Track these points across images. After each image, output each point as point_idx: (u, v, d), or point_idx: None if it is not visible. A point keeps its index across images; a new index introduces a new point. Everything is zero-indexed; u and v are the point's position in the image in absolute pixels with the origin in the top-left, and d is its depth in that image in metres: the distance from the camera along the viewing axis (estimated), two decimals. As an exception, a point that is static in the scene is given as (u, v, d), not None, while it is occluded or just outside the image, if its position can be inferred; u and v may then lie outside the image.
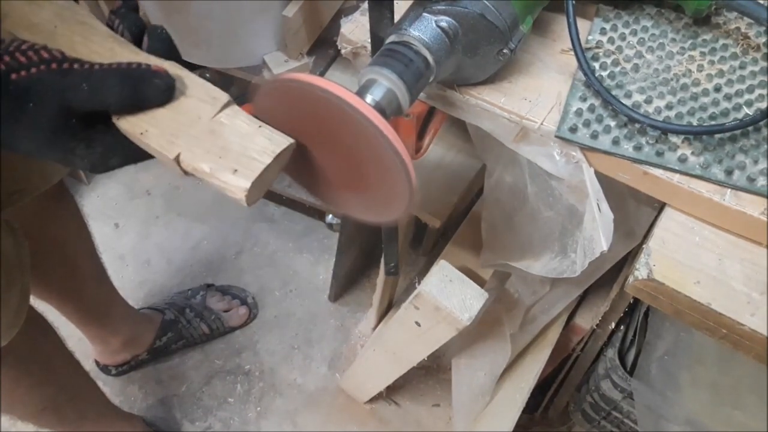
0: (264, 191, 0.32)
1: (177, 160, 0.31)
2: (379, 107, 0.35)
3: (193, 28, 0.61)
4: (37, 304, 0.64)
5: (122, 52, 0.34)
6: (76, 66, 0.30)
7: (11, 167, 0.51)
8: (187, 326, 1.01)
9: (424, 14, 0.38)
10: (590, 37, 0.45)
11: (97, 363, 1.01)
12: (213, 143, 0.31)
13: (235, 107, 0.33)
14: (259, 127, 0.32)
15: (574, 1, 0.40)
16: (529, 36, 0.44)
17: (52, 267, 0.76)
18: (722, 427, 0.62)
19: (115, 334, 0.95)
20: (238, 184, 0.30)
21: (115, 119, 0.32)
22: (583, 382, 0.85)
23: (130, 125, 0.32)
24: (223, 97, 0.32)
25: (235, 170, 0.30)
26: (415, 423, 0.97)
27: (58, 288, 0.80)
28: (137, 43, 0.36)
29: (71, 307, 0.85)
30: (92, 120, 0.31)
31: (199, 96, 0.32)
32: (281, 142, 0.31)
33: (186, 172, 0.32)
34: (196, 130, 0.31)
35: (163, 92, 0.32)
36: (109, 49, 0.34)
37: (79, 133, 0.31)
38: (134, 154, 0.32)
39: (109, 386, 1.00)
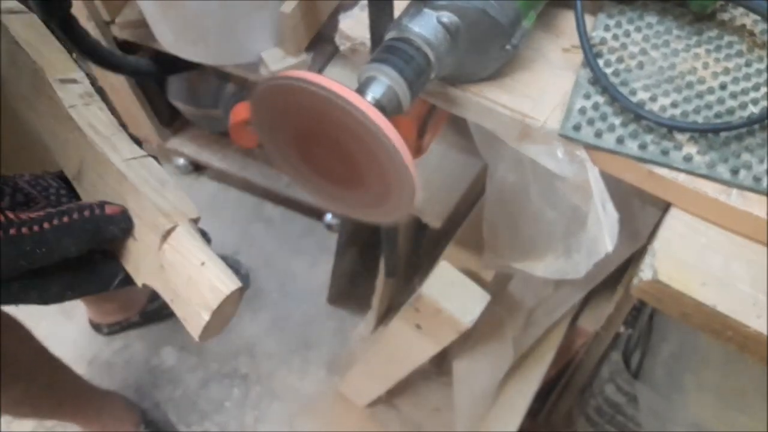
0: (226, 323, 0.29)
1: (144, 286, 0.29)
2: (379, 105, 0.35)
3: (189, 25, 0.60)
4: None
5: (87, 152, 0.30)
6: (24, 230, 0.27)
7: None
8: None
9: (425, 10, 0.37)
10: (594, 34, 0.44)
11: (91, 321, 1.04)
12: (164, 282, 0.28)
13: (180, 233, 0.28)
14: (202, 265, 0.28)
15: (579, -2, 0.40)
16: (532, 32, 0.44)
17: None
18: (727, 430, 0.62)
19: (109, 300, 0.98)
20: (191, 331, 0.28)
21: None
22: (587, 386, 0.84)
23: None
24: (164, 223, 0.28)
25: (185, 319, 0.28)
26: (415, 427, 0.96)
27: None
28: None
29: None
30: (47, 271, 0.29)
31: (147, 223, 0.29)
32: (221, 291, 0.27)
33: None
34: (149, 262, 0.29)
35: (122, 231, 0.29)
36: (77, 144, 0.30)
37: (32, 283, 0.28)
38: (99, 287, 0.30)
39: (105, 387, 0.99)
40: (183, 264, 0.28)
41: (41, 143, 0.33)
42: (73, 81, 0.33)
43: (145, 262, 0.29)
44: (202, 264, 0.28)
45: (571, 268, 0.48)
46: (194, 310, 0.27)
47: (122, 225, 0.29)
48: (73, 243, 0.28)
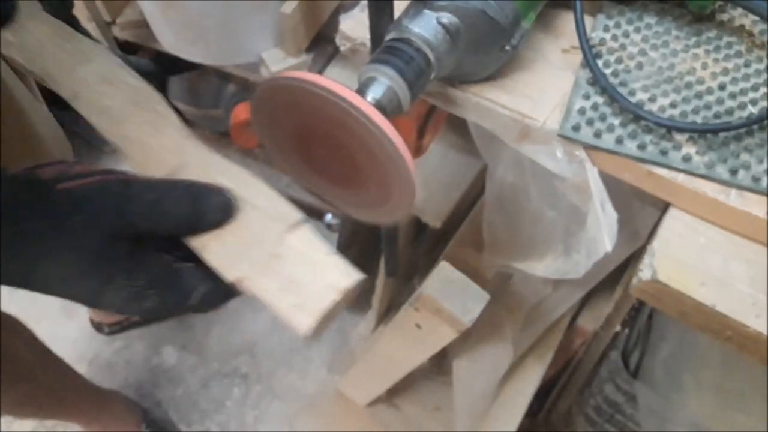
0: (327, 326, 0.28)
1: (237, 282, 0.27)
2: (379, 106, 0.35)
3: (190, 25, 0.60)
4: (11, 304, 0.63)
5: (192, 151, 0.31)
6: (137, 178, 0.27)
7: None
8: None
9: (425, 10, 0.37)
10: (593, 35, 0.44)
11: (92, 321, 1.04)
12: (277, 270, 0.27)
13: (307, 228, 0.29)
14: (328, 254, 0.28)
15: (579, -1, 0.40)
16: (532, 32, 0.44)
17: None
18: (726, 430, 0.62)
19: None
20: (302, 320, 0.27)
21: None
22: (587, 385, 0.84)
23: (193, 239, 0.28)
24: (294, 216, 0.29)
25: (300, 305, 0.27)
26: (416, 426, 0.96)
27: None
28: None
29: None
30: (139, 248, 0.27)
31: (269, 213, 0.29)
32: (351, 276, 0.28)
33: (243, 294, 0.28)
34: (260, 252, 0.28)
35: (221, 210, 0.28)
36: (179, 146, 0.31)
37: (124, 259, 0.26)
38: (173, 298, 0.27)
39: (106, 386, 0.99)
40: (308, 252, 0.28)
41: (37, 138, 0.34)
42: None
43: (250, 253, 0.28)
44: (328, 254, 0.28)
45: (570, 268, 0.49)
46: (318, 294, 0.27)
47: (224, 198, 0.28)
48: (178, 199, 0.27)
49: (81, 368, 0.83)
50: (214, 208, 0.28)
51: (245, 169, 0.30)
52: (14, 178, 0.26)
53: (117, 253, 0.26)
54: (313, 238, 0.29)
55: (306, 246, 0.28)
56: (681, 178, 0.39)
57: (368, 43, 0.45)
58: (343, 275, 0.28)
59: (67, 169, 0.27)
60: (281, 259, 0.28)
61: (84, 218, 0.25)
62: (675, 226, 0.40)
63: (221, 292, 0.28)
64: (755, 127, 0.39)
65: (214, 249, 0.28)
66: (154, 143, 0.31)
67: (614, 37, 0.44)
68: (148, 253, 0.27)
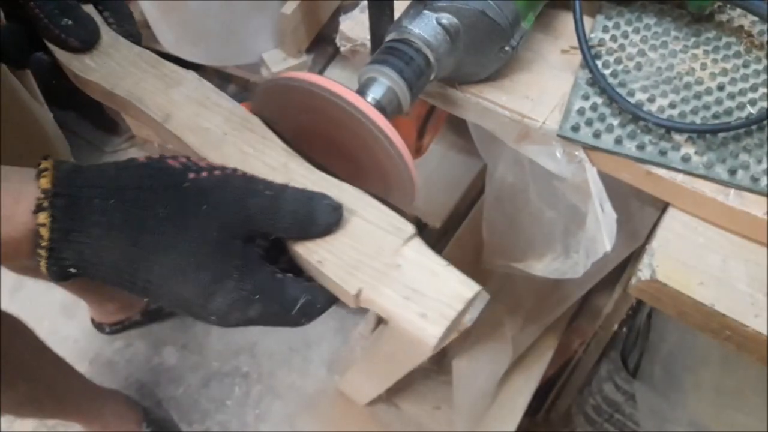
0: (450, 337, 0.29)
1: (357, 295, 0.28)
2: (379, 106, 0.35)
3: (191, 26, 0.60)
4: (12, 304, 0.64)
5: (296, 169, 0.31)
6: (258, 177, 0.28)
7: None
8: None
9: (425, 11, 0.37)
10: (593, 35, 0.44)
11: (93, 320, 1.05)
12: (397, 280, 0.28)
13: (420, 241, 0.29)
14: (447, 266, 0.29)
15: (578, -1, 0.40)
16: (531, 33, 0.44)
17: None
18: (725, 429, 0.62)
19: (112, 300, 0.99)
20: (428, 331, 0.26)
21: (290, 244, 0.29)
22: (586, 385, 0.84)
23: (308, 251, 0.28)
24: (409, 228, 0.29)
25: (424, 315, 0.27)
26: (415, 426, 0.96)
27: None
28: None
29: (66, 283, 0.87)
30: (250, 251, 0.27)
31: (382, 226, 0.29)
32: (473, 286, 0.28)
33: (360, 307, 0.29)
34: (378, 263, 0.28)
35: (332, 213, 0.28)
36: (283, 164, 0.31)
37: (238, 257, 0.26)
38: (276, 307, 0.27)
39: (107, 386, 1.00)
40: (427, 263, 0.28)
41: (38, 138, 0.34)
42: None
43: (369, 264, 0.28)
44: (446, 265, 0.28)
45: (569, 268, 0.49)
46: (442, 304, 0.27)
47: (333, 202, 0.28)
48: (295, 200, 0.27)
49: (82, 368, 0.83)
50: (326, 211, 0.28)
51: (350, 185, 0.31)
52: (146, 165, 0.27)
53: (233, 250, 0.26)
54: (429, 250, 0.29)
55: (423, 257, 0.29)
56: (680, 178, 0.39)
57: (368, 43, 0.45)
58: (465, 285, 0.28)
59: (191, 162, 0.27)
60: (401, 269, 0.28)
61: (209, 208, 0.26)
62: (674, 226, 0.40)
63: (321, 304, 0.29)
64: (754, 127, 0.39)
65: (333, 261, 0.28)
66: (258, 164, 0.31)
67: (613, 38, 0.44)
68: (257, 259, 0.27)
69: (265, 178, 0.28)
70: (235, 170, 0.28)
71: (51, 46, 0.37)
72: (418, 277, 0.28)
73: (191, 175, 0.27)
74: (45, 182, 0.26)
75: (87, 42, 0.36)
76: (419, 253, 0.29)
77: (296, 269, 0.30)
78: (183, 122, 0.33)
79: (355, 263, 0.28)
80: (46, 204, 0.25)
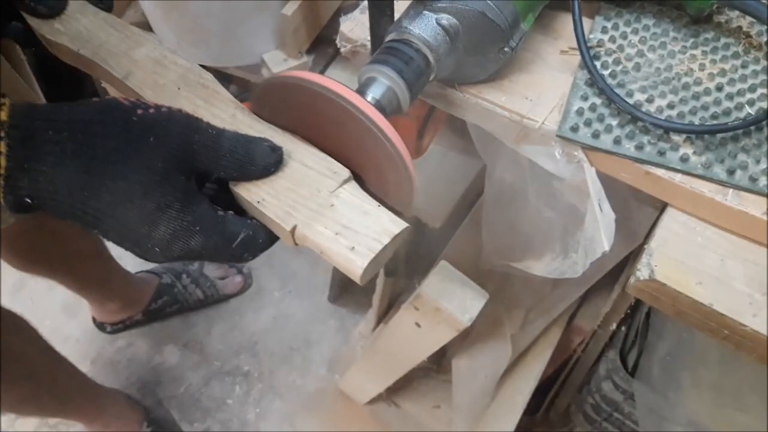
0: (377, 270, 0.32)
1: (292, 232, 0.30)
2: (379, 106, 0.35)
3: (191, 26, 0.60)
4: (13, 303, 0.64)
5: (243, 119, 0.34)
6: (201, 119, 0.30)
7: None
8: (182, 291, 1.05)
9: (425, 12, 0.38)
10: (591, 36, 0.44)
11: (94, 320, 1.05)
12: (330, 218, 0.30)
13: (354, 184, 0.32)
14: (379, 206, 0.31)
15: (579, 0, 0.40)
16: (530, 34, 0.44)
17: (48, 247, 0.79)
18: (724, 428, 0.62)
19: (113, 299, 1.00)
20: (356, 263, 0.29)
21: (232, 185, 0.31)
22: (585, 384, 0.84)
23: (248, 192, 0.31)
24: (344, 172, 0.32)
25: (353, 248, 0.29)
26: (415, 425, 0.97)
27: (54, 265, 0.84)
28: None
29: (68, 281, 0.89)
30: (192, 186, 0.30)
31: (320, 170, 0.32)
32: (401, 224, 0.31)
33: (296, 244, 0.31)
34: (314, 203, 0.31)
35: (270, 154, 0.31)
36: (231, 115, 0.34)
37: (181, 190, 0.29)
38: (216, 240, 0.29)
39: (108, 385, 1.00)
40: (359, 203, 0.31)
41: None
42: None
43: (305, 204, 0.30)
44: (378, 206, 0.31)
45: (568, 268, 0.49)
46: (370, 239, 0.29)
47: (273, 145, 0.30)
48: (233, 140, 0.30)
49: (83, 367, 0.83)
50: (264, 152, 0.31)
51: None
52: (98, 102, 0.29)
53: (176, 183, 0.29)
54: (363, 193, 0.31)
55: (356, 198, 0.31)
56: (678, 178, 0.39)
57: (368, 44, 0.46)
58: (394, 223, 0.30)
59: (140, 101, 0.29)
60: (334, 209, 0.30)
61: (155, 140, 0.28)
62: (672, 226, 0.40)
63: (261, 240, 0.31)
64: (752, 128, 0.39)
65: (271, 201, 0.31)
66: (207, 115, 0.33)
67: (612, 39, 0.44)
68: (198, 195, 0.30)
69: (210, 123, 0.31)
70: (180, 110, 0.30)
71: (24, 15, 0.40)
72: (350, 215, 0.30)
73: (140, 111, 0.29)
74: (3, 115, 0.27)
75: (54, 8, 0.39)
76: (353, 194, 0.31)
77: (242, 213, 0.32)
78: (141, 79, 0.36)
79: (292, 203, 0.31)
80: (2, 134, 0.26)
